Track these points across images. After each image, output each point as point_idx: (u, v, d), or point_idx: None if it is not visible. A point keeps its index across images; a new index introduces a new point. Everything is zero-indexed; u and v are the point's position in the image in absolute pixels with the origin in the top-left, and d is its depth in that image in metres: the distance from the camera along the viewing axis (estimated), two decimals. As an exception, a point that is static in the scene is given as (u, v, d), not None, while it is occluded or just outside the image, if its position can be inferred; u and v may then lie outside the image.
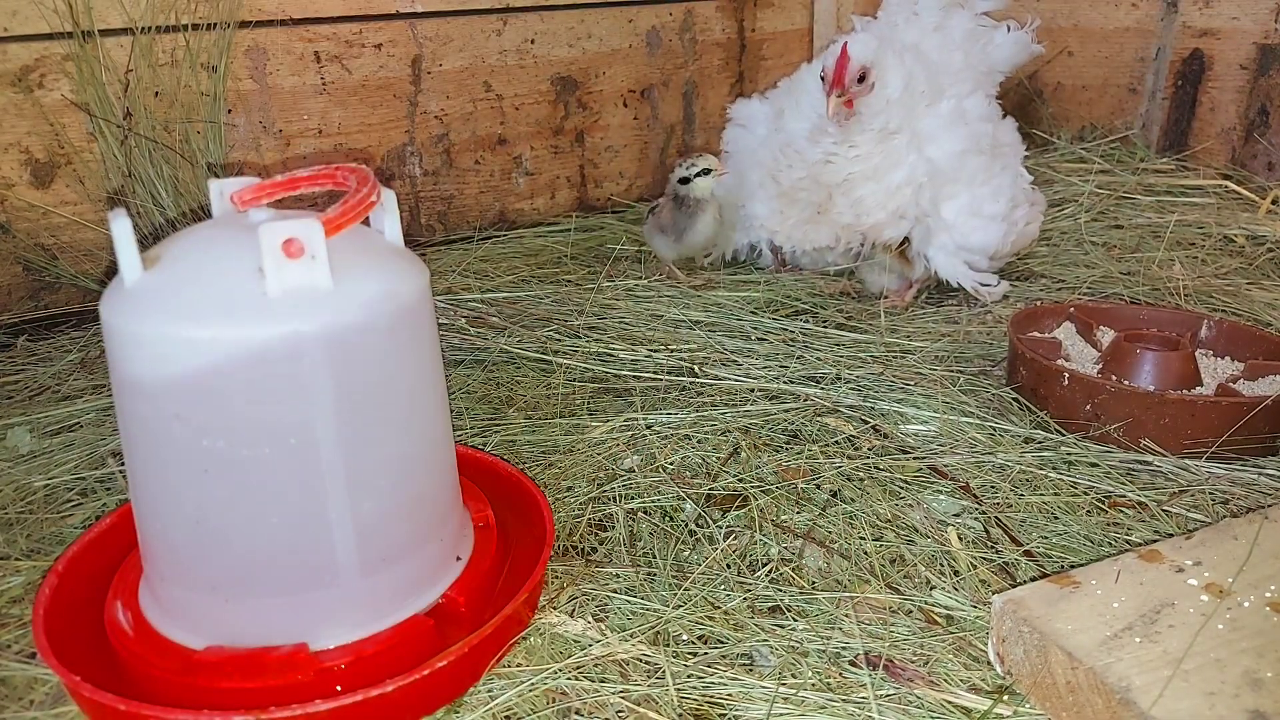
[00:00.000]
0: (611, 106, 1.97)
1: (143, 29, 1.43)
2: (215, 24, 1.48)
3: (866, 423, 1.10)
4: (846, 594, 0.81)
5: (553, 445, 1.06)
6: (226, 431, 0.65)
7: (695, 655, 0.74)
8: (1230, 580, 0.73)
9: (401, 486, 0.72)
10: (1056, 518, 0.93)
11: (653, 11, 1.95)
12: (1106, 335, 1.27)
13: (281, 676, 0.66)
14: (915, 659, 0.74)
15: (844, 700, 0.69)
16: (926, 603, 0.81)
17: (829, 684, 0.71)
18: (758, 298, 1.49)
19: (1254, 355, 1.19)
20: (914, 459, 1.03)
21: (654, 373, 1.22)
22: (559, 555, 0.88)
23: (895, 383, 1.20)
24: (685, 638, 0.77)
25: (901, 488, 0.97)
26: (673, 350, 1.28)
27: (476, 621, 0.74)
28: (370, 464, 0.69)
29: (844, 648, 0.75)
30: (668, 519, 0.93)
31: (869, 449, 1.04)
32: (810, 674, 0.72)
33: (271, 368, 0.64)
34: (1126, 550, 0.78)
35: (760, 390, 1.18)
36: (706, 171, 1.52)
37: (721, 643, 0.76)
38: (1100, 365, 1.17)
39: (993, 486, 0.97)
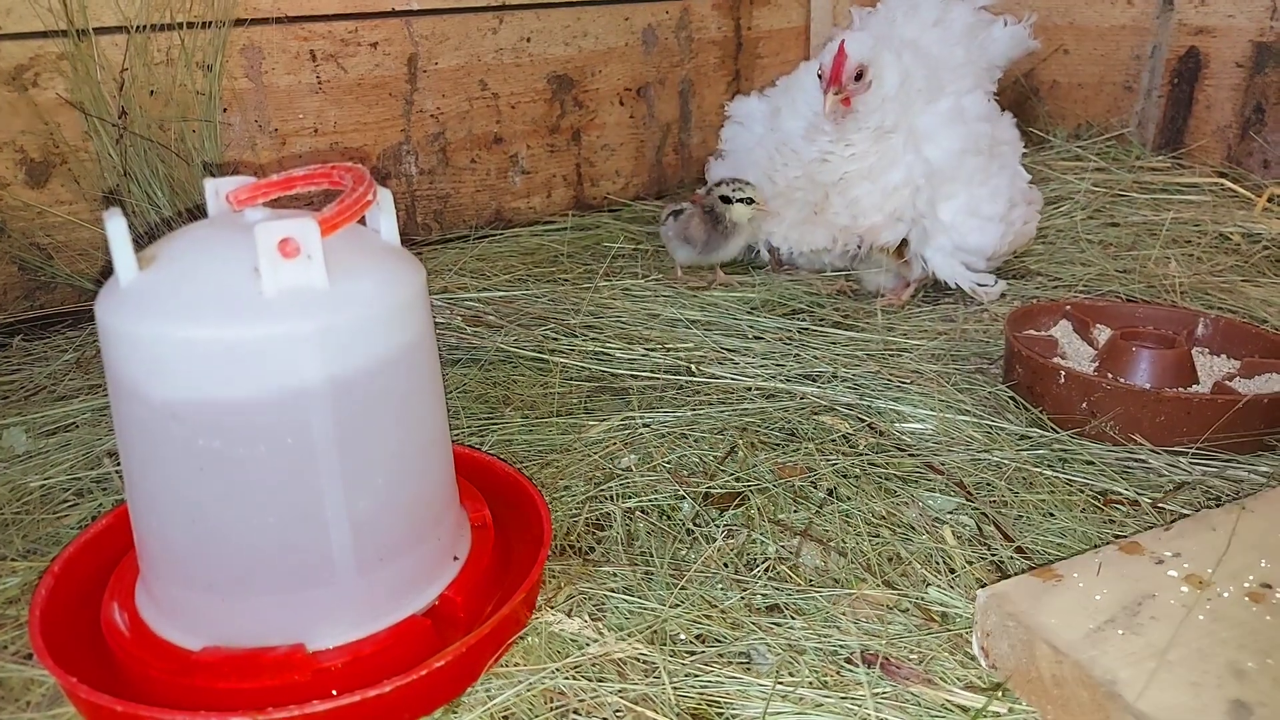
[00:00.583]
0: (608, 105, 1.97)
1: (138, 27, 1.42)
2: (210, 22, 1.48)
3: (863, 421, 1.10)
4: (843, 591, 0.81)
5: (550, 444, 1.06)
6: (222, 431, 0.65)
7: (693, 654, 0.75)
8: (1210, 571, 0.73)
9: (398, 485, 0.72)
10: (1051, 515, 0.93)
11: (649, 9, 1.95)
12: (1103, 333, 1.27)
13: (279, 677, 0.66)
14: (911, 656, 0.74)
15: (841, 698, 0.69)
16: (922, 600, 0.81)
17: (826, 682, 0.71)
18: (754, 298, 1.49)
19: (1250, 353, 1.19)
20: (910, 456, 1.03)
21: (651, 372, 1.22)
22: (556, 554, 0.88)
23: (891, 381, 1.21)
24: (683, 637, 0.77)
25: (898, 485, 0.97)
26: (669, 349, 1.28)
27: (474, 621, 0.74)
28: (367, 463, 0.69)
29: (841, 646, 0.75)
30: (665, 518, 0.93)
31: (865, 446, 1.04)
32: (807, 672, 0.72)
33: (268, 368, 0.64)
34: (1108, 543, 0.78)
35: (757, 389, 1.18)
36: (750, 201, 1.50)
37: (719, 641, 0.76)
38: (1096, 363, 1.17)
39: (988, 484, 0.98)
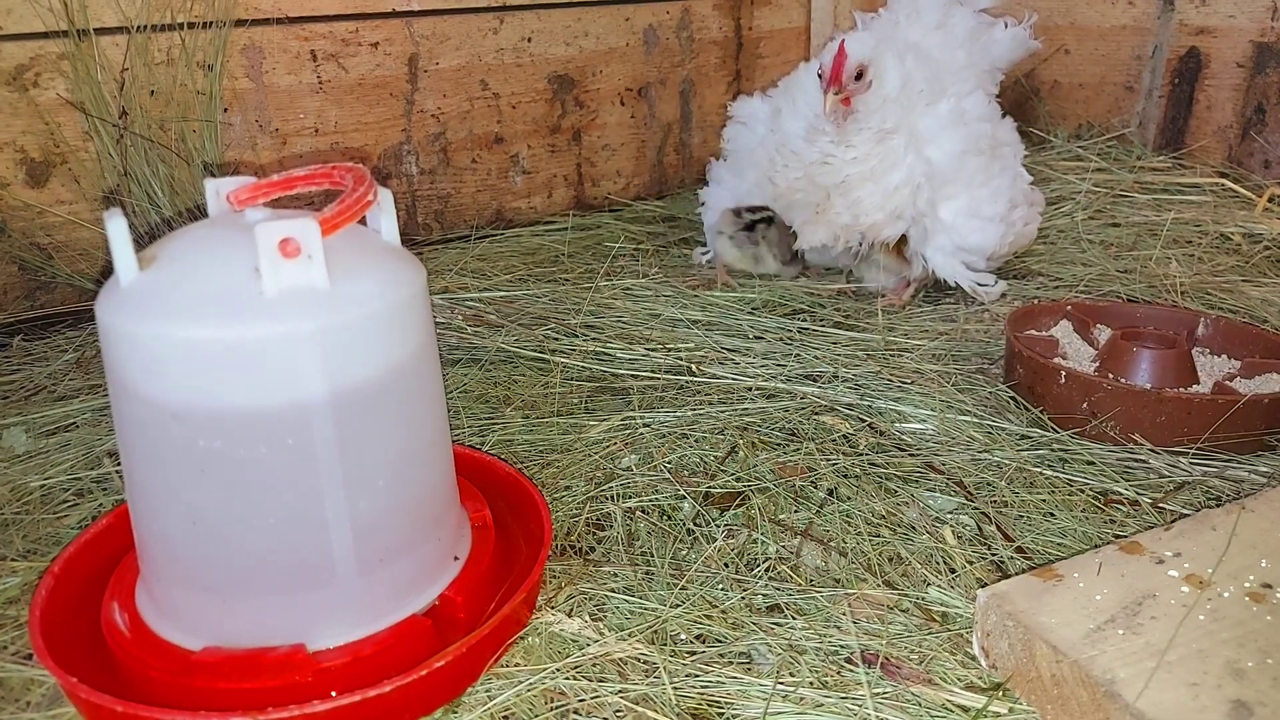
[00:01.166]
0: (609, 105, 1.97)
1: (138, 28, 1.42)
2: (211, 22, 1.48)
3: (863, 421, 1.10)
4: (844, 591, 0.81)
5: (550, 445, 1.06)
6: (223, 431, 0.65)
7: (693, 654, 0.74)
8: (1210, 571, 0.73)
9: (399, 485, 0.72)
10: (1052, 515, 0.93)
11: (650, 10, 1.95)
12: (1103, 333, 1.27)
13: (279, 677, 0.66)
14: (912, 656, 0.74)
15: (841, 698, 0.69)
16: (922, 600, 0.81)
17: (826, 682, 0.71)
18: (755, 298, 1.49)
19: (1251, 353, 1.19)
20: (910, 456, 1.03)
21: (651, 372, 1.22)
22: (557, 554, 0.88)
23: (892, 381, 1.21)
24: (683, 637, 0.77)
25: (898, 485, 0.97)
26: (670, 349, 1.28)
27: (474, 621, 0.74)
28: (367, 463, 0.69)
29: (841, 646, 0.75)
30: (665, 518, 0.93)
31: (866, 446, 1.04)
32: (808, 672, 0.72)
33: (268, 368, 0.64)
34: (1109, 543, 0.78)
35: (758, 389, 1.18)
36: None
37: (720, 641, 0.76)
38: (1097, 363, 1.17)
39: (989, 484, 0.98)
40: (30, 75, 1.39)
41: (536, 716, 0.68)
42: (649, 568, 0.85)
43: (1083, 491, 0.96)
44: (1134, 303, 1.32)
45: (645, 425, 1.08)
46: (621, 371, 1.22)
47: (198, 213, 1.47)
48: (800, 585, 0.83)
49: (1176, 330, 1.24)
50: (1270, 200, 1.83)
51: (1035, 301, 1.32)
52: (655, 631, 0.77)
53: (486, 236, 1.82)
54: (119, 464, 0.97)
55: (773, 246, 1.55)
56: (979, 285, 1.49)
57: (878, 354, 1.30)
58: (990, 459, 1.02)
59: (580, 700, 0.70)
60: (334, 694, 0.65)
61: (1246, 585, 0.72)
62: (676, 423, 1.09)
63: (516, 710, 0.69)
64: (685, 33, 2.02)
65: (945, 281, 1.49)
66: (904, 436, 1.08)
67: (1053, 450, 1.03)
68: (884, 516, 0.92)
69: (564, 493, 0.97)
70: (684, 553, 0.88)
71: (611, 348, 1.29)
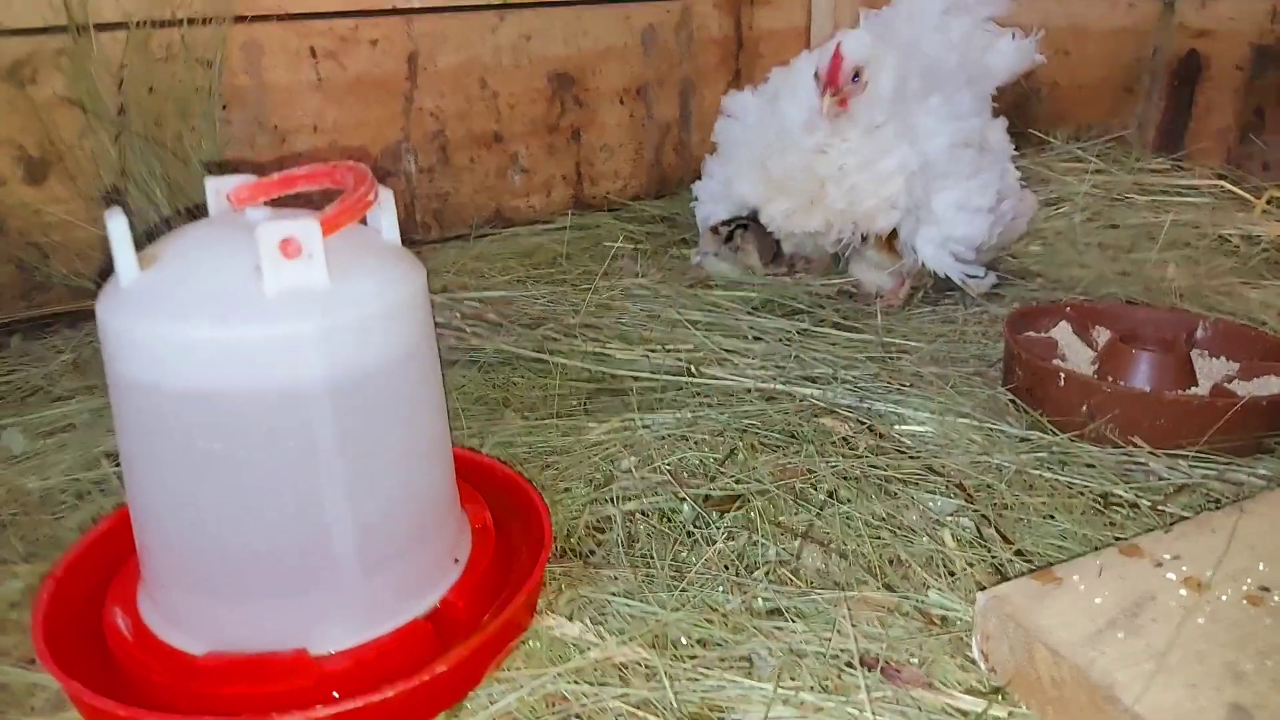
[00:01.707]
0: (607, 104, 1.96)
1: (139, 23, 1.42)
2: (211, 19, 1.47)
3: (863, 424, 1.10)
4: (844, 594, 0.81)
5: (550, 447, 1.05)
6: (224, 432, 0.65)
7: (694, 658, 0.75)
8: (1209, 574, 0.74)
9: (400, 488, 0.72)
10: (1051, 517, 0.93)
11: (650, 9, 1.95)
12: (1102, 335, 1.28)
13: (282, 682, 0.66)
14: (912, 660, 0.74)
15: (842, 702, 0.70)
16: (922, 603, 0.81)
17: (827, 687, 0.71)
18: (755, 297, 1.49)
19: (1249, 356, 1.19)
20: (910, 459, 1.03)
21: (651, 373, 1.22)
22: (557, 557, 0.88)
23: (891, 384, 1.21)
24: (684, 640, 0.77)
25: (898, 488, 0.97)
26: (669, 350, 1.28)
27: (475, 624, 0.74)
28: (368, 465, 0.69)
29: (842, 649, 0.75)
30: (665, 520, 0.93)
31: (865, 449, 1.04)
32: (808, 676, 0.72)
33: (269, 368, 0.64)
34: (1109, 545, 0.79)
35: (757, 390, 1.18)
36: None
37: (720, 645, 0.76)
38: (1095, 366, 1.18)
39: (988, 487, 0.98)
40: (28, 71, 1.38)
41: (538, 720, 0.68)
42: (649, 570, 0.85)
43: (1082, 494, 0.96)
44: (1133, 305, 1.32)
45: (645, 427, 1.08)
46: (621, 373, 1.22)
47: (197, 212, 1.46)
48: (800, 588, 0.83)
49: (1175, 332, 1.24)
50: (1269, 202, 1.84)
51: (1034, 303, 1.32)
52: (656, 635, 0.77)
53: (485, 235, 1.81)
54: (118, 465, 0.96)
55: (751, 245, 1.56)
56: (968, 277, 1.49)
57: (877, 356, 1.30)
58: (990, 461, 1.02)
59: (582, 705, 0.70)
60: (337, 696, 0.65)
61: (1245, 588, 0.72)
62: (676, 424, 1.09)
63: (518, 715, 0.69)
64: (685, 32, 2.02)
65: (941, 278, 1.49)
66: (903, 439, 1.08)
67: (1052, 453, 1.03)
68: (884, 519, 0.92)
69: (564, 495, 0.97)
70: (684, 555, 0.88)
71: (610, 348, 1.29)
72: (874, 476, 0.99)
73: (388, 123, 1.70)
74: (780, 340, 1.34)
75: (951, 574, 0.85)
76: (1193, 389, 1.12)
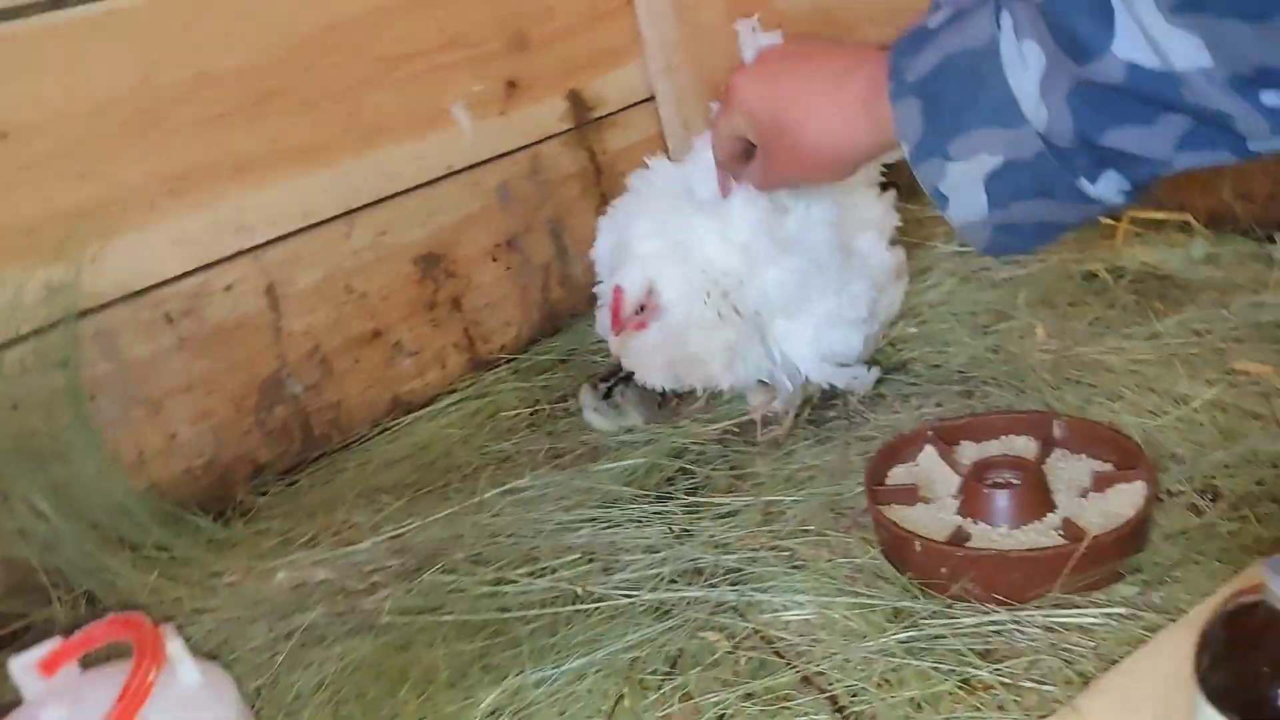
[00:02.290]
0: (480, 266, 1.99)
1: (-14, 350, 1.44)
2: (57, 322, 1.49)
3: (745, 624, 1.13)
4: None
5: (444, 728, 1.07)
6: None
7: None
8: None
9: None
10: (921, 707, 0.96)
11: (497, 167, 1.97)
12: (968, 449, 1.31)
13: None
14: None
15: None
16: None
17: None
18: (640, 465, 1.51)
19: (1106, 455, 1.23)
20: (787, 666, 1.05)
21: (539, 605, 1.24)
22: None
23: (771, 556, 1.23)
24: None
25: (777, 709, 1.00)
26: (557, 570, 1.29)
27: None
28: None
29: None
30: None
31: (745, 666, 1.07)
32: None
33: None
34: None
35: (642, 603, 1.20)
36: None
37: None
38: (959, 503, 1.20)
39: (861, 690, 1.00)
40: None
41: None
42: None
43: (947, 679, 0.99)
44: (990, 416, 1.35)
45: (536, 686, 1.10)
46: (511, 614, 1.23)
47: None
48: None
49: (1033, 440, 1.27)
50: (1131, 223, 1.87)
51: (899, 435, 1.35)
52: None
53: (386, 429, 1.84)
54: None
55: (633, 405, 1.58)
56: (854, 380, 1.50)
57: (759, 521, 1.32)
58: (863, 650, 1.05)
59: None
60: None
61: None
62: (565, 677, 1.11)
63: None
64: (538, 177, 2.04)
65: (826, 389, 1.50)
66: (782, 636, 1.10)
67: (919, 630, 1.06)
68: (762, 759, 0.95)
69: (458, 795, 0.99)
70: None
71: (504, 574, 1.31)
72: (751, 709, 1.01)
73: (260, 357, 1.72)
74: (665, 522, 1.36)
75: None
76: (1049, 515, 1.15)
